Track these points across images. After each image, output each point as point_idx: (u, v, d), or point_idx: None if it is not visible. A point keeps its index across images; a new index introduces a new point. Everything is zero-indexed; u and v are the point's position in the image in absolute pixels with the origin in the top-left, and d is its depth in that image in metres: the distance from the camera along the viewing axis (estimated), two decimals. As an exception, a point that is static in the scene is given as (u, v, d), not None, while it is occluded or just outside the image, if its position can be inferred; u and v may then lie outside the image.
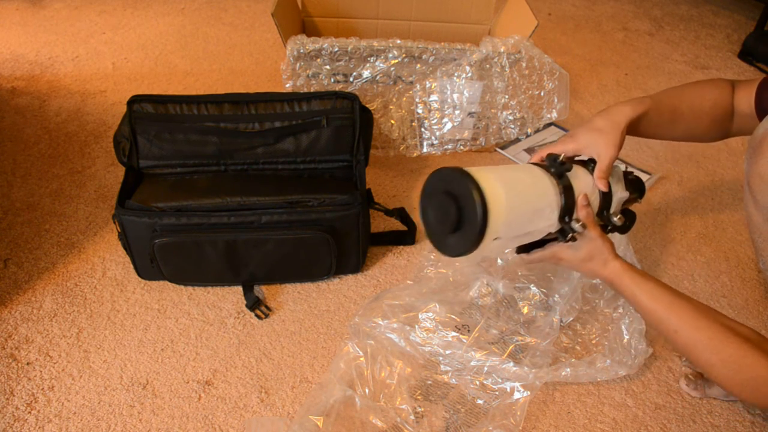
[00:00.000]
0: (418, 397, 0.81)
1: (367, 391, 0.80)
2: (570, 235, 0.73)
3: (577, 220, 0.72)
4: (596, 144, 0.76)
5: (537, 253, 0.80)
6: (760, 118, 0.80)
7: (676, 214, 1.19)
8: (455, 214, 0.64)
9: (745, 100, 0.83)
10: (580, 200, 0.74)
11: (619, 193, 0.79)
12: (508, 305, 0.93)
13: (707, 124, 0.85)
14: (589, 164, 0.78)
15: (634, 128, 0.83)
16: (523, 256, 0.81)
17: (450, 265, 0.99)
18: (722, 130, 0.87)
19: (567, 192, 0.72)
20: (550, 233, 0.75)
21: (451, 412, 0.80)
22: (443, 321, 0.87)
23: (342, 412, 0.78)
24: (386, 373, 0.82)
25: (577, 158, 0.80)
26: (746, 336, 0.68)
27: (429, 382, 0.83)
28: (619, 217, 0.79)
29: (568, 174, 0.73)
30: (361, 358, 0.83)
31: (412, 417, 0.78)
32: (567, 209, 0.72)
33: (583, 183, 0.76)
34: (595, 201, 0.77)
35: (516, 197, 0.66)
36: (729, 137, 0.89)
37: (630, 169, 1.29)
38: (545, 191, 0.71)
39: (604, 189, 0.75)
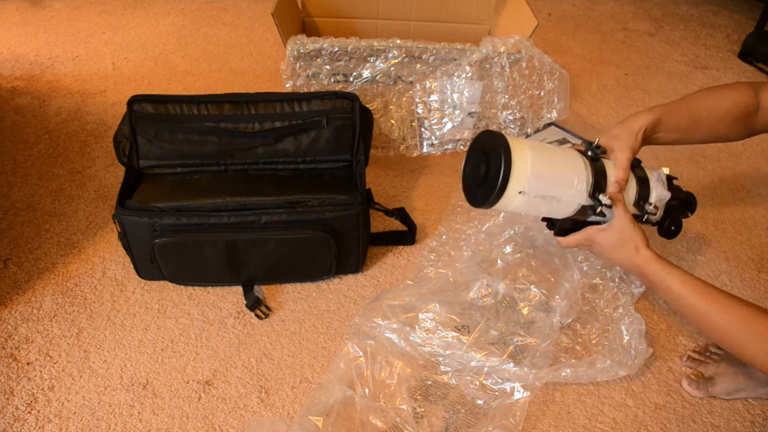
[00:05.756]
0: (418, 398, 0.81)
1: (367, 391, 0.80)
2: (599, 209, 0.76)
3: (608, 198, 0.76)
4: (612, 149, 0.81)
5: (573, 236, 0.83)
6: None
7: (676, 214, 1.19)
8: (485, 166, 0.73)
9: None
10: (612, 180, 0.78)
11: (659, 190, 0.81)
12: (508, 306, 0.93)
13: (728, 123, 0.87)
14: (634, 161, 0.82)
15: (654, 137, 0.86)
16: (560, 239, 0.84)
17: (450, 265, 0.99)
18: (746, 129, 0.89)
19: (598, 173, 0.77)
20: (583, 207, 0.77)
21: (450, 413, 0.80)
22: (443, 321, 0.87)
23: (342, 412, 0.78)
24: (386, 373, 0.82)
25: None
26: None
27: (429, 382, 0.83)
28: (653, 205, 0.81)
29: (606, 162, 0.79)
30: (361, 358, 0.83)
31: (412, 417, 0.78)
32: (598, 187, 0.76)
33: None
34: (632, 190, 0.80)
35: (542, 156, 0.73)
36: (756, 134, 0.91)
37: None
38: (575, 163, 0.76)
39: (620, 192, 0.78)
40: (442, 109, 1.19)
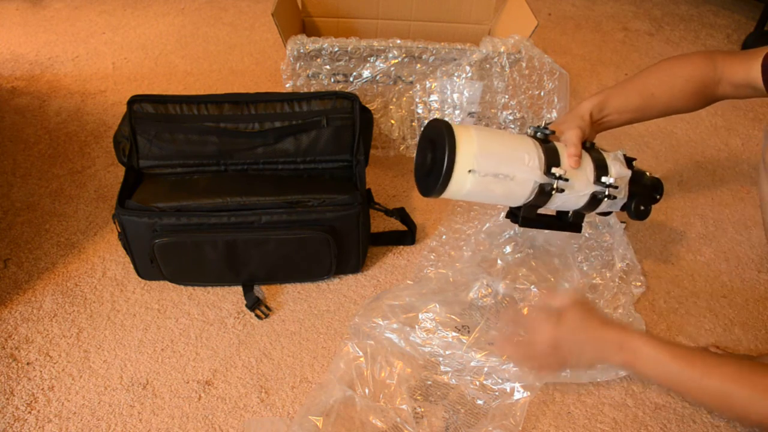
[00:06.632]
0: (418, 398, 0.81)
1: (367, 391, 0.80)
2: (555, 183, 0.74)
3: (564, 170, 0.75)
4: (561, 132, 0.80)
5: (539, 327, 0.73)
6: None
7: (676, 214, 1.19)
8: (431, 153, 0.73)
9: (741, 71, 0.82)
10: (564, 156, 0.76)
11: (617, 167, 0.80)
12: (508, 306, 0.93)
13: (684, 98, 0.86)
14: (587, 143, 0.82)
15: (605, 120, 0.86)
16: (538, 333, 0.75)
17: (450, 265, 0.99)
18: (704, 100, 0.87)
19: (549, 150, 0.76)
20: (541, 187, 0.75)
21: (450, 413, 0.80)
22: (443, 321, 0.87)
23: (342, 412, 0.78)
24: (386, 373, 0.82)
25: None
26: None
27: (429, 382, 0.83)
28: (614, 179, 0.78)
29: (557, 144, 0.78)
30: (361, 359, 0.83)
31: (411, 417, 0.78)
32: (551, 162, 0.75)
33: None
34: (589, 167, 0.78)
35: (488, 134, 0.73)
36: (714, 103, 0.89)
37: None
38: (523, 142, 0.75)
39: (575, 166, 0.76)
40: (442, 109, 1.19)
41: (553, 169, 0.74)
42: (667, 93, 0.85)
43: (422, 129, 0.77)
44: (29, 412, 0.79)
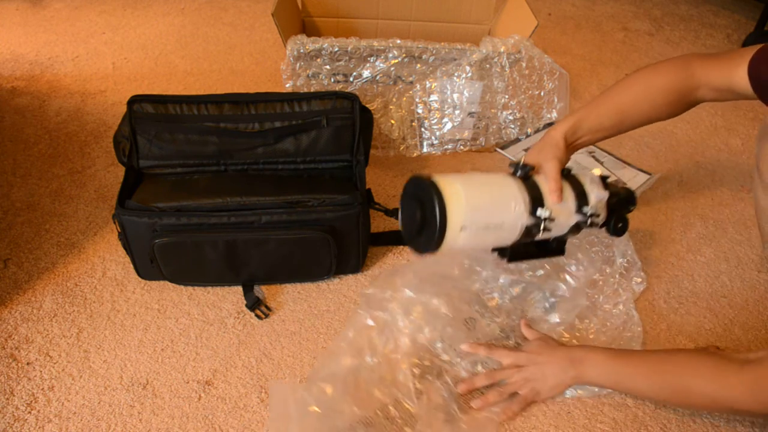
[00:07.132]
0: (419, 374, 0.81)
1: (373, 362, 0.81)
2: (542, 225, 0.75)
3: (548, 210, 0.76)
4: (539, 164, 0.79)
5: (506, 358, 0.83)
6: (759, 93, 0.78)
7: (676, 214, 1.19)
8: (420, 212, 0.73)
9: (722, 76, 0.81)
10: (546, 193, 0.76)
11: (596, 191, 0.80)
12: (512, 302, 0.93)
13: (662, 108, 0.85)
14: (564, 171, 0.82)
15: (580, 141, 0.86)
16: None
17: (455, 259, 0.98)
18: (685, 106, 0.86)
19: (533, 190, 0.76)
20: (527, 228, 0.76)
21: (449, 393, 0.80)
22: (448, 312, 0.87)
23: (349, 381, 0.78)
24: (391, 347, 0.83)
25: None
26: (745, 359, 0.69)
27: (427, 363, 0.83)
28: (595, 207, 0.79)
29: (537, 178, 0.78)
30: (371, 329, 0.83)
31: (413, 393, 0.78)
32: (535, 203, 0.75)
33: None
34: (570, 198, 0.79)
35: (474, 188, 0.73)
36: (695, 106, 0.88)
37: (630, 169, 1.29)
38: (508, 188, 0.75)
39: (558, 201, 0.76)
40: (442, 109, 1.19)
41: (539, 212, 0.75)
42: (640, 109, 0.84)
43: (405, 186, 0.77)
44: (29, 412, 0.79)
